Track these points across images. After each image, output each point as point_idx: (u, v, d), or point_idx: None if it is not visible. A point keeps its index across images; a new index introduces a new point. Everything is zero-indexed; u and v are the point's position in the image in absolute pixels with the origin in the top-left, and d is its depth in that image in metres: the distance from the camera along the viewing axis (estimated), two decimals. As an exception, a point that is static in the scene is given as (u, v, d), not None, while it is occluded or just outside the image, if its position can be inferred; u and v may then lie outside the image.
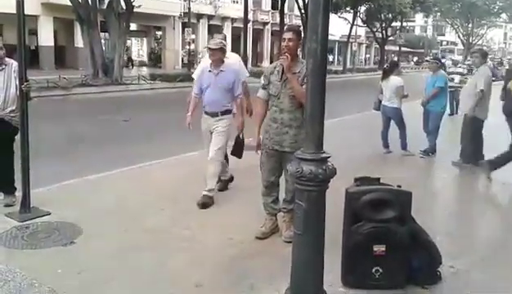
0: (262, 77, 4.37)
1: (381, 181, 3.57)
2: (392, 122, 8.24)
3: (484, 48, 11.73)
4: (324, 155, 2.76)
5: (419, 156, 8.03)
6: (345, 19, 42.70)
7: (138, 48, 41.08)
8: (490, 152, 7.56)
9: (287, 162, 4.03)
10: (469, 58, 24.88)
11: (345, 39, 45.01)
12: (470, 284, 3.59)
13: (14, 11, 4.53)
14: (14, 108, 4.82)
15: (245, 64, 32.26)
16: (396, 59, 12.26)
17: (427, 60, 9.28)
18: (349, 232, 3.41)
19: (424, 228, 3.61)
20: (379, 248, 3.36)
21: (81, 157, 7.51)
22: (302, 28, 26.88)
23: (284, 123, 4.12)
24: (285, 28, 4.36)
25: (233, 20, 40.26)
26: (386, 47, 50.97)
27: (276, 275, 3.47)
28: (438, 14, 56.42)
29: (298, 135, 4.05)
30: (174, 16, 34.89)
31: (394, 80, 8.09)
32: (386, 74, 8.29)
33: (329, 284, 3.09)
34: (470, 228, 5.05)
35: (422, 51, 65.31)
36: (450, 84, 15.18)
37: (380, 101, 8.36)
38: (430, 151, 8.09)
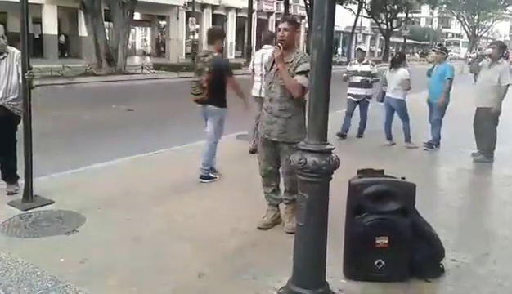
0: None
1: (384, 173, 3.55)
2: (396, 114, 8.20)
3: (502, 41, 11.52)
4: (328, 147, 2.74)
5: (423, 148, 8.00)
6: (350, 10, 42.44)
7: (142, 38, 41.02)
8: (500, 145, 7.47)
9: (281, 153, 4.12)
10: (473, 50, 24.72)
11: (350, 30, 44.78)
12: (473, 278, 3.58)
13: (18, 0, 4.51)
14: (16, 96, 4.81)
15: (249, 55, 32.09)
16: (404, 51, 12.14)
17: (433, 50, 9.14)
18: (352, 224, 3.39)
19: (427, 220, 3.59)
20: (381, 240, 3.35)
21: (84, 146, 7.51)
22: (307, 18, 26.50)
23: (273, 113, 4.12)
24: (281, 18, 4.34)
25: (237, 10, 40.06)
26: (391, 39, 50.67)
27: (279, 266, 3.46)
28: (444, 6, 56.05)
29: (287, 126, 4.06)
30: (178, 6, 34.73)
31: (401, 72, 8.03)
32: (394, 65, 8.20)
33: (330, 276, 3.09)
34: (474, 221, 5.02)
35: (427, 43, 64.89)
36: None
37: (384, 93, 8.31)
38: (434, 143, 8.05)
